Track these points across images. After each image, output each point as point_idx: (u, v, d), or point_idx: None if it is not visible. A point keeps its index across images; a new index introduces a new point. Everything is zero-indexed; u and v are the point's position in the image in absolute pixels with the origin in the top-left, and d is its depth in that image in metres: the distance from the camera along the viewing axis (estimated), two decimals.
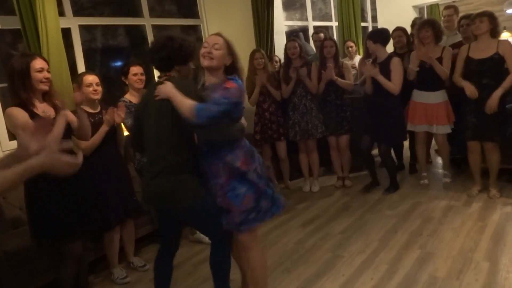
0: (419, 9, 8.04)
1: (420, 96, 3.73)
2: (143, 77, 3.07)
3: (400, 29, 4.32)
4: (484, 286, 2.31)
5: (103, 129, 2.73)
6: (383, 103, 3.77)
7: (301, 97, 4.14)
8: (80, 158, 1.25)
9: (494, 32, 3.34)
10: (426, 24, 3.67)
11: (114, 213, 2.78)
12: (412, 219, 3.30)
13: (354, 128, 4.14)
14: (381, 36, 3.82)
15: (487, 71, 3.29)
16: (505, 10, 8.30)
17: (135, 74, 3.03)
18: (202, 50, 2.00)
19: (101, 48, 4.71)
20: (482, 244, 2.78)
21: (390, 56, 3.77)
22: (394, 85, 3.66)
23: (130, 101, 3.02)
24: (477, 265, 2.53)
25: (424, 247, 2.83)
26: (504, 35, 8.06)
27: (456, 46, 3.77)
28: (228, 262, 2.16)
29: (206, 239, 3.33)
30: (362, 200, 3.90)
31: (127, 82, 3.07)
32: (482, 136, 3.43)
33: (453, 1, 7.10)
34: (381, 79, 3.66)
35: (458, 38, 4.06)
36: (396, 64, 3.67)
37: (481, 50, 3.31)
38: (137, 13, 4.54)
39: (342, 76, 4.03)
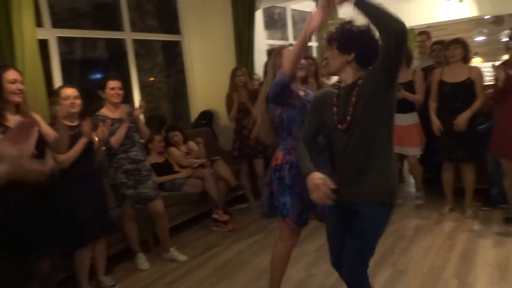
0: None
1: (398, 120, 3.82)
2: (121, 92, 3.06)
3: None
4: None
5: (83, 140, 2.70)
6: None
7: None
8: (47, 165, 1.24)
9: (466, 58, 3.50)
10: None
11: (88, 229, 2.70)
12: (385, 238, 3.34)
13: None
14: None
15: (460, 94, 3.43)
16: (474, 39, 8.68)
17: (112, 88, 3.02)
18: None
19: (79, 61, 4.68)
20: (451, 262, 2.84)
21: None
22: None
23: (106, 116, 3.00)
24: (446, 283, 2.58)
25: (395, 265, 2.87)
26: (476, 61, 8.43)
27: (428, 69, 3.91)
28: None
29: (180, 257, 3.30)
30: None
31: (104, 96, 3.05)
32: (456, 158, 3.55)
33: (428, 27, 7.39)
34: None
35: (430, 62, 4.22)
36: None
37: (454, 75, 3.45)
38: (118, 26, 4.55)
39: None
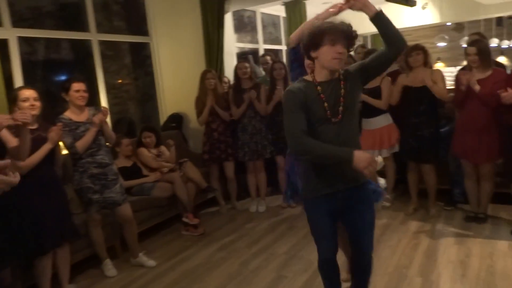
0: (363, 37, 8.54)
1: (365, 124, 3.91)
2: (86, 94, 2.96)
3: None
4: None
5: (47, 147, 2.60)
6: None
7: (250, 118, 4.20)
8: (17, 177, 1.19)
9: (427, 63, 3.63)
10: (366, 53, 3.89)
11: (48, 237, 2.61)
12: None
13: None
14: None
15: (424, 98, 3.54)
16: (436, 44, 9.04)
17: (77, 91, 2.92)
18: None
19: (42, 62, 4.52)
20: (416, 261, 2.93)
21: None
22: None
23: (71, 119, 2.90)
24: (411, 281, 2.66)
25: None
26: (439, 65, 8.77)
27: (393, 74, 4.03)
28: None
29: (149, 262, 3.24)
30: (306, 220, 3.97)
31: (68, 99, 2.95)
32: (419, 159, 3.67)
33: None
34: None
35: (396, 67, 4.34)
36: None
37: (418, 79, 3.57)
38: (84, 27, 4.43)
39: None
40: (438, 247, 3.11)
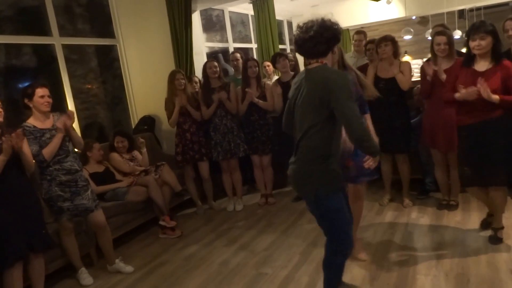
0: None
1: None
2: (50, 100, 2.86)
3: None
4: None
5: (2, 157, 2.48)
6: None
7: (222, 117, 4.17)
8: None
9: (396, 54, 3.69)
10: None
11: (12, 248, 2.50)
12: None
13: (276, 146, 4.24)
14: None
15: (394, 89, 3.60)
16: (403, 37, 9.25)
17: (41, 97, 2.82)
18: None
19: (3, 69, 4.34)
20: (392, 250, 2.98)
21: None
22: None
23: (35, 126, 2.80)
24: (388, 270, 2.70)
25: None
26: (406, 58, 8.98)
27: (364, 68, 4.08)
28: (340, 269, 2.18)
29: (126, 268, 3.17)
30: (284, 216, 3.99)
31: (31, 105, 2.83)
32: (392, 149, 3.73)
33: (361, 27, 7.75)
34: None
35: (365, 61, 4.41)
36: None
37: (387, 70, 3.62)
38: (45, 31, 4.28)
39: (264, 96, 4.14)
40: (413, 236, 3.18)
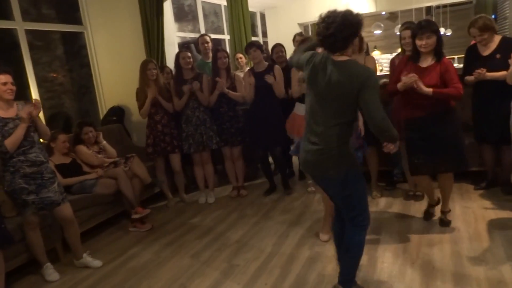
0: (304, 26, 8.68)
1: (300, 109, 3.98)
2: (14, 87, 2.73)
3: (280, 45, 4.56)
4: (365, 276, 2.53)
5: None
6: (269, 110, 4.04)
7: (194, 109, 4.12)
8: None
9: (361, 48, 3.74)
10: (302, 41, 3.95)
11: None
12: (302, 222, 3.49)
13: (247, 138, 4.24)
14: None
15: None
16: (373, 32, 9.43)
17: (4, 84, 2.68)
18: None
19: None
20: None
21: (271, 65, 4.09)
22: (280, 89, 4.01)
23: None
24: None
25: (312, 248, 3.00)
26: (375, 53, 9.16)
27: None
28: (363, 245, 2.24)
29: (94, 263, 3.09)
30: (256, 208, 4.01)
31: None
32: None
33: None
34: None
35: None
36: (278, 70, 4.05)
37: None
38: (7, 15, 4.07)
39: (234, 88, 4.12)
40: (381, 225, 3.27)
